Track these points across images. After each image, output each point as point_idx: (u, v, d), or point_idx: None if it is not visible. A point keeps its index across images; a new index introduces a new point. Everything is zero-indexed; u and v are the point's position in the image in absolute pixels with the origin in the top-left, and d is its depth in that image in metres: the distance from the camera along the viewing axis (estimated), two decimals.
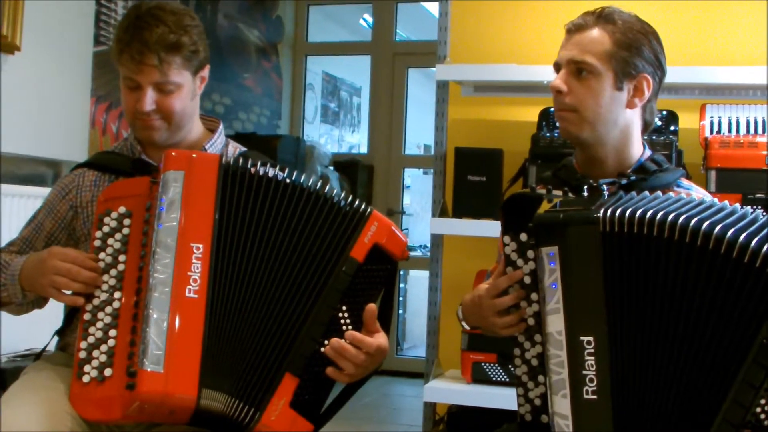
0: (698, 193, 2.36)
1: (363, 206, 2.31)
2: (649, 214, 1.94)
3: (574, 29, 2.35)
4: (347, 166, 7.52)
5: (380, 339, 2.26)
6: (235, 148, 2.67)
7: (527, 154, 3.71)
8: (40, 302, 2.51)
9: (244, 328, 2.21)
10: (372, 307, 2.24)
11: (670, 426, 1.93)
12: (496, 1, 4.20)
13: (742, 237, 1.84)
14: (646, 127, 2.41)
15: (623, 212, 1.96)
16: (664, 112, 3.72)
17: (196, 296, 2.18)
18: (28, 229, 2.58)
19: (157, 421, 2.25)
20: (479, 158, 3.82)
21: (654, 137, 3.58)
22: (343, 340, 2.21)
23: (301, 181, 2.30)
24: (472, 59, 4.03)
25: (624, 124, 2.35)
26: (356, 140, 9.39)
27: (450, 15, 3.99)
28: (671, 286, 1.92)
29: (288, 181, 2.29)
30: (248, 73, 7.22)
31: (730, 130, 3.69)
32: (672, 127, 3.71)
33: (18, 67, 4.51)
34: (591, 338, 1.97)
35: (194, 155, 2.33)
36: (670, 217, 1.91)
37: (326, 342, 2.21)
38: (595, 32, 2.31)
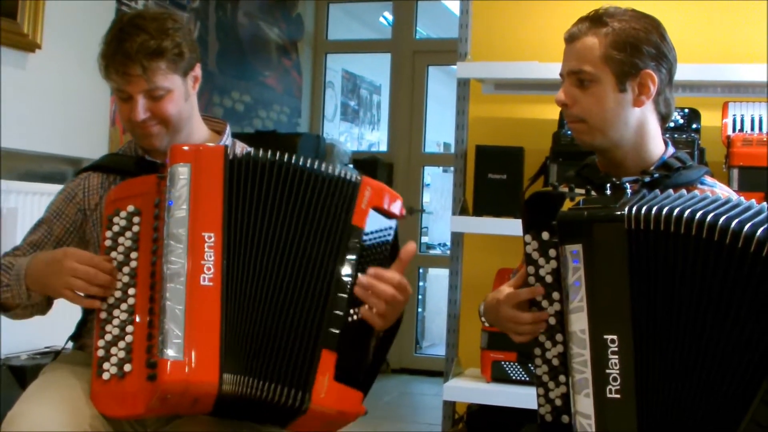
0: (722, 190, 2.33)
1: (352, 175, 2.33)
2: (675, 211, 1.92)
3: (570, 39, 2.33)
4: (367, 164, 7.51)
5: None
6: (242, 148, 2.67)
7: (548, 152, 3.70)
8: (43, 307, 2.52)
9: (264, 311, 2.21)
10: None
11: (695, 426, 1.92)
12: None
13: None
14: (664, 120, 2.38)
15: (648, 210, 1.94)
16: (686, 110, 3.70)
17: (211, 284, 2.19)
18: (36, 235, 2.58)
19: (180, 412, 2.24)
20: (500, 156, 3.82)
21: (676, 135, 3.56)
22: (368, 276, 2.23)
23: (293, 161, 2.32)
24: (493, 57, 4.02)
25: (636, 124, 2.31)
26: (376, 138, 9.39)
27: (471, 12, 3.99)
28: (698, 284, 1.90)
29: (284, 161, 2.31)
30: (269, 71, 7.22)
31: (752, 128, 3.67)
32: (694, 125, 3.69)
33: (39, 65, 4.52)
34: (615, 337, 1.95)
35: (200, 147, 2.36)
36: (698, 214, 1.89)
37: (352, 311, 2.22)
38: (588, 39, 2.28)
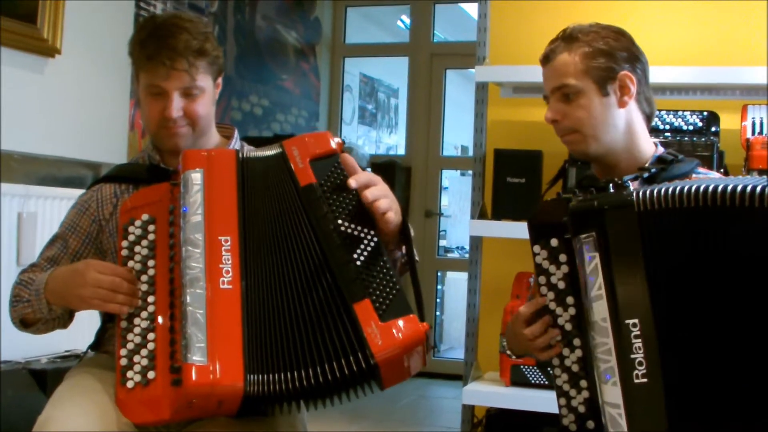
0: (717, 176, 2.42)
1: (274, 149, 2.39)
2: (684, 188, 1.93)
3: (546, 59, 2.45)
4: (385, 167, 7.51)
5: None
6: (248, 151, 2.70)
7: (567, 155, 3.69)
8: (64, 321, 2.52)
9: (284, 306, 2.21)
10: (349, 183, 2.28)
11: (725, 404, 1.91)
12: (535, 1, 4.18)
13: None
14: (649, 118, 2.46)
15: (658, 191, 1.97)
16: (705, 113, 3.69)
17: (230, 287, 2.21)
18: (52, 250, 2.59)
19: (206, 415, 2.25)
20: (518, 160, 3.83)
21: (695, 138, 3.56)
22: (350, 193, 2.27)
23: (257, 155, 2.40)
24: (512, 60, 4.02)
25: (625, 124, 2.39)
26: (393, 141, 9.39)
27: (489, 16, 3.99)
28: (712, 254, 1.91)
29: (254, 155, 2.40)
30: (286, 74, 7.24)
31: None
32: (713, 128, 3.68)
33: (58, 70, 4.54)
34: (636, 321, 1.95)
35: (212, 153, 2.40)
36: (702, 186, 1.91)
37: (355, 255, 2.21)
38: (564, 56, 2.39)
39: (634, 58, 2.40)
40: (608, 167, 2.42)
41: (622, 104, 2.38)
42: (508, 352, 2.39)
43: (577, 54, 2.37)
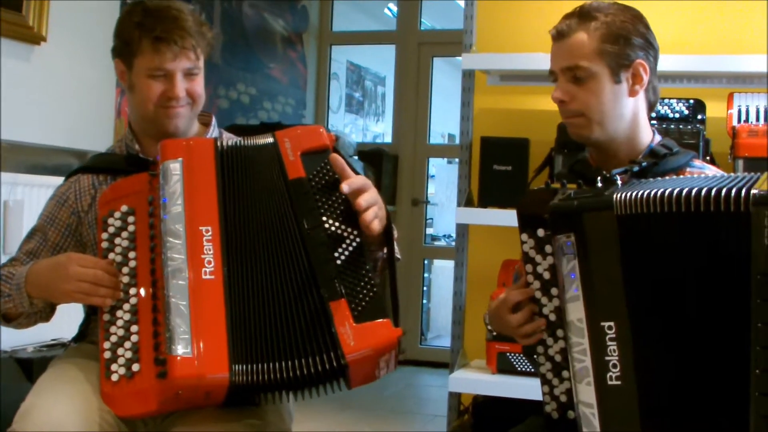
0: (712, 171, 2.35)
1: (266, 138, 2.39)
2: (661, 192, 1.91)
3: (559, 36, 2.36)
4: (372, 155, 7.50)
5: None
6: (228, 140, 2.69)
7: (553, 143, 3.69)
8: (46, 314, 2.52)
9: (266, 296, 2.22)
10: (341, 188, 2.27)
11: (697, 409, 1.91)
12: None
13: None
14: (651, 108, 2.42)
15: (636, 194, 1.94)
16: (692, 101, 3.69)
17: (212, 277, 2.21)
18: (31, 243, 2.57)
19: (193, 406, 2.24)
20: (505, 147, 3.82)
21: (681, 126, 3.56)
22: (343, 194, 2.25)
23: (238, 143, 2.40)
24: (499, 48, 4.01)
25: (630, 113, 2.35)
26: (380, 130, 9.39)
27: (476, 4, 3.98)
28: (687, 260, 1.90)
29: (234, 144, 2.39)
30: (274, 62, 7.22)
31: (758, 119, 3.65)
32: (699, 116, 3.68)
33: (44, 57, 4.52)
34: (612, 323, 1.95)
35: (190, 142, 2.40)
36: (676, 191, 1.89)
37: (336, 254, 2.22)
38: (579, 35, 2.31)
39: (649, 45, 2.34)
40: (606, 155, 2.38)
41: (632, 93, 2.33)
42: (489, 327, 2.38)
43: (593, 35, 2.29)
